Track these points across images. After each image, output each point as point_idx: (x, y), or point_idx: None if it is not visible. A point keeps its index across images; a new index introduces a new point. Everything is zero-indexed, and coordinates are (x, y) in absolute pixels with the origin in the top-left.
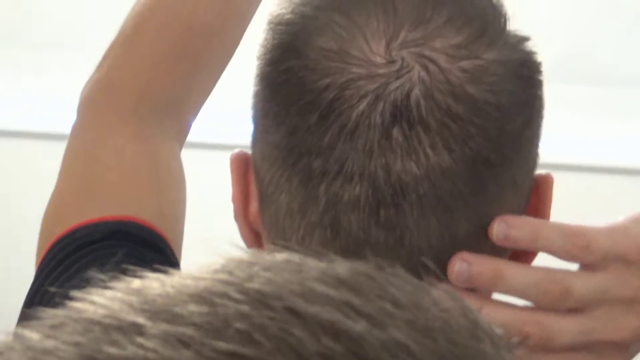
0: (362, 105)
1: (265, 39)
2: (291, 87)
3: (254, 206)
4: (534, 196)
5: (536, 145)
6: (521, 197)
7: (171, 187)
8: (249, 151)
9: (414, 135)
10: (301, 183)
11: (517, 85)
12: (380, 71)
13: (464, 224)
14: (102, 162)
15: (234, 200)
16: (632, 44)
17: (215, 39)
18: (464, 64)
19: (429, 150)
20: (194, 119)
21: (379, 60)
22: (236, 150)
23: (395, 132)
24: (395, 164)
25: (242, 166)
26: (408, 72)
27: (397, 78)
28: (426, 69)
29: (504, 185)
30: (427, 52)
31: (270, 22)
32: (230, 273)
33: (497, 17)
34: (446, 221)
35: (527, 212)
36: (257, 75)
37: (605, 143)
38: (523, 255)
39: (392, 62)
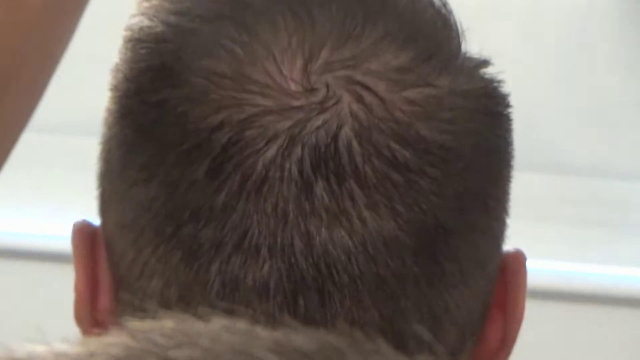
0: (271, 151)
1: (124, 61)
2: (167, 126)
3: (105, 300)
4: (501, 282)
5: (505, 208)
6: (487, 280)
7: None
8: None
9: (345, 192)
10: (183, 261)
11: (482, 124)
12: (296, 103)
13: (412, 315)
14: None
15: (76, 291)
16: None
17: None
18: (411, 93)
19: (365, 213)
20: None
21: (294, 87)
22: (79, 221)
23: (319, 188)
24: (318, 233)
25: (88, 242)
26: (335, 103)
27: (320, 112)
28: (360, 99)
29: (465, 261)
30: (359, 77)
31: (131, 38)
32: (152, 342)
33: (449, 34)
34: (389, 313)
35: (493, 305)
36: (114, 112)
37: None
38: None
39: (312, 90)
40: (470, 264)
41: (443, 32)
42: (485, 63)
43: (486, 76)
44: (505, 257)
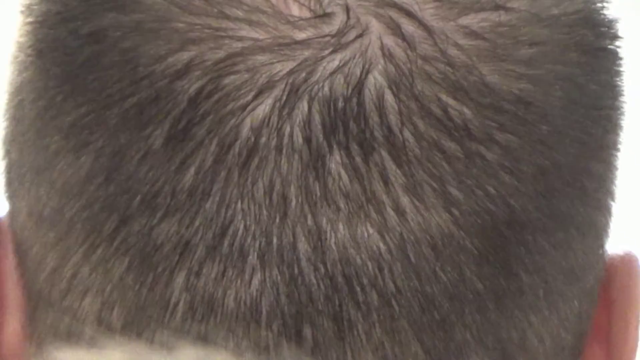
0: (264, 108)
1: None
2: (107, 69)
3: (12, 325)
4: (604, 302)
5: (610, 189)
6: (584, 300)
7: None
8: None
9: (373, 169)
10: (132, 272)
11: (579, 66)
12: (300, 35)
13: (474, 352)
14: None
15: None
16: None
17: None
18: (473, 20)
19: (404, 201)
20: None
21: (297, 11)
22: None
23: (335, 163)
24: (334, 230)
25: None
26: (359, 36)
27: (337, 49)
28: (396, 29)
29: (553, 272)
30: None
31: None
32: None
33: None
34: (440, 350)
35: (591, 336)
36: (26, 47)
37: None
38: None
39: (325, 15)
40: (560, 276)
41: None
42: None
43: (593, 4)
44: (610, 263)
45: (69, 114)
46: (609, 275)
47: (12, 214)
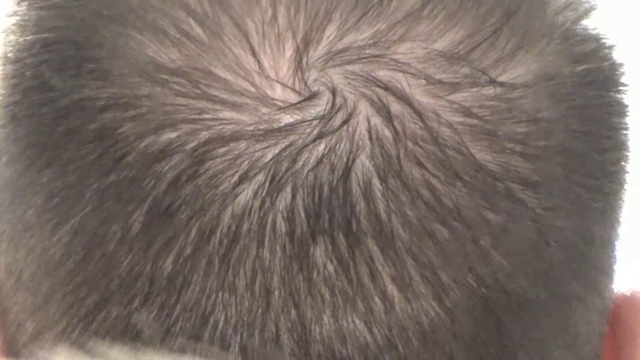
0: (246, 195)
1: (13, 31)
2: (83, 145)
3: None
4: (610, 342)
5: (613, 249)
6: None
7: None
8: None
9: (360, 258)
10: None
11: (585, 138)
12: (285, 119)
13: None
14: None
15: None
16: None
17: None
18: (464, 97)
19: (392, 291)
20: None
21: (280, 92)
22: None
23: (320, 252)
24: (319, 323)
25: None
26: (346, 120)
27: (322, 135)
28: (384, 111)
29: (552, 347)
30: (384, 73)
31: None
32: None
33: None
34: None
35: None
36: (1, 101)
37: None
38: None
39: (311, 97)
40: (561, 349)
41: None
42: (598, 38)
43: (594, 41)
44: (617, 304)
45: (44, 187)
46: (615, 317)
47: None
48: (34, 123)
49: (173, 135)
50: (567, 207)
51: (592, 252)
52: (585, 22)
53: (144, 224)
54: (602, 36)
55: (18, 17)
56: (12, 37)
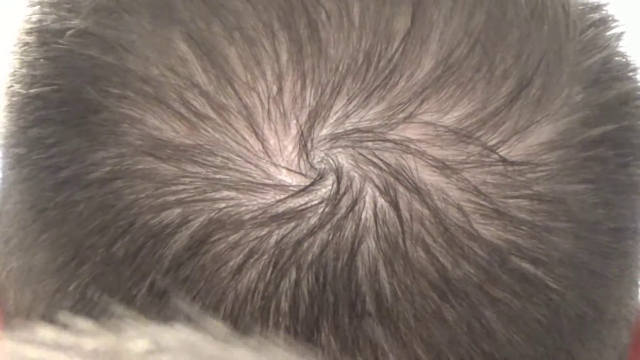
0: (250, 277)
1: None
2: (85, 214)
3: None
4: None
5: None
6: None
7: None
8: None
9: (364, 341)
10: None
11: (598, 214)
12: (291, 203)
13: None
14: None
15: None
16: None
17: None
18: (473, 175)
19: None
20: None
21: (285, 175)
22: None
23: (324, 334)
24: None
25: None
26: (352, 204)
27: (327, 219)
28: (390, 192)
29: None
30: (390, 155)
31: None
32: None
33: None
34: None
35: None
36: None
37: None
38: None
39: (316, 181)
40: None
41: (566, 28)
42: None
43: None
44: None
45: (45, 249)
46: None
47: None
48: (34, 185)
49: (175, 213)
50: (578, 281)
51: (605, 316)
52: (609, 67)
53: (143, 303)
54: (625, 91)
55: (28, 58)
56: (17, 85)
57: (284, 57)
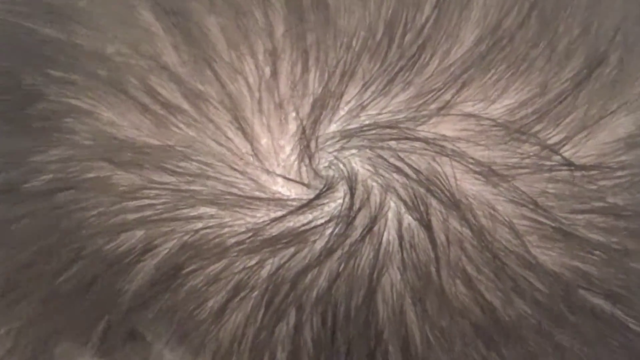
0: (236, 319)
1: None
2: (23, 240)
3: None
4: None
5: None
6: None
7: None
8: None
9: None
10: None
11: None
12: (291, 222)
13: None
14: None
15: None
16: None
17: None
18: (529, 184)
19: None
20: None
21: (281, 184)
22: None
23: None
24: None
25: None
26: (370, 224)
27: (335, 246)
28: (420, 208)
29: None
30: (419, 157)
31: None
32: None
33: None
34: None
35: None
36: None
37: None
38: None
39: (324, 193)
40: None
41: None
42: None
43: None
44: None
45: None
46: None
47: None
48: None
49: (137, 236)
50: None
51: None
52: None
53: (96, 353)
54: None
55: None
56: None
57: (279, 29)
